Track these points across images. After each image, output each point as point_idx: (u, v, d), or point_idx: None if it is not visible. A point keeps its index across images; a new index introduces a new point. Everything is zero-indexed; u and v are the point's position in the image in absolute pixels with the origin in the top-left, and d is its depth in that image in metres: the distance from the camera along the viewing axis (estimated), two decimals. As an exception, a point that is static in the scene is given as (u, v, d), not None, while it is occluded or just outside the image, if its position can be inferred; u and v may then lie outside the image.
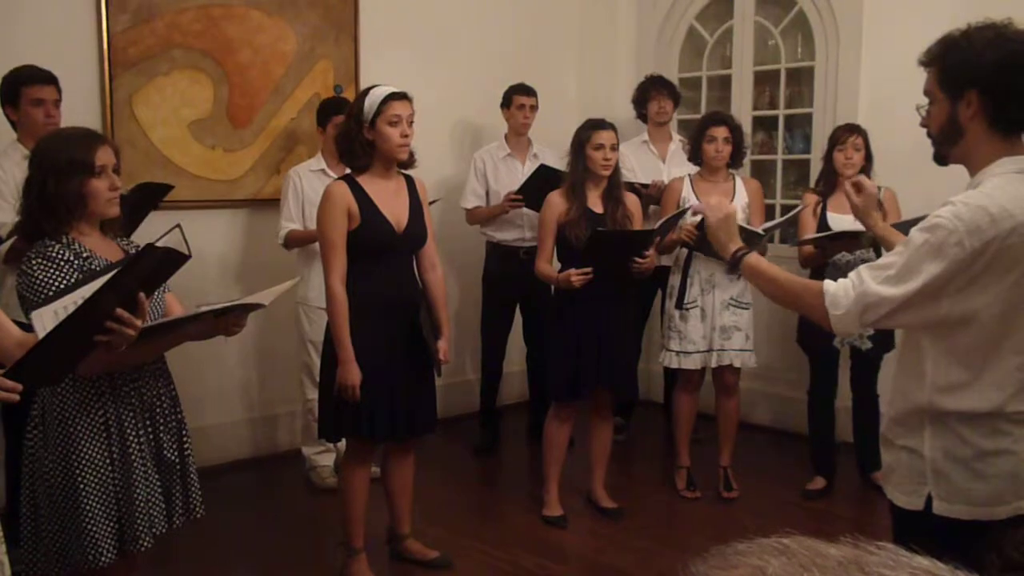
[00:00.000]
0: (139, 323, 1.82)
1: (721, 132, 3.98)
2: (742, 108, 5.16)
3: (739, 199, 4.03)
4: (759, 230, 3.91)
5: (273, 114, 4.52)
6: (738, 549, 0.58)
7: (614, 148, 3.66)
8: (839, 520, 3.78)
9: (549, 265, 3.74)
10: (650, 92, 4.78)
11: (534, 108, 4.69)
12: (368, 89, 3.09)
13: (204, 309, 2.25)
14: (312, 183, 4.02)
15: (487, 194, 4.71)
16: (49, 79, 3.38)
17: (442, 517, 3.84)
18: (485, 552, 3.57)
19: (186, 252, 1.92)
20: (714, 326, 4.01)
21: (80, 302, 1.73)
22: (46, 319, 1.73)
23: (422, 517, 3.59)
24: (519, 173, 4.67)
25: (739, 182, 4.12)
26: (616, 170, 3.70)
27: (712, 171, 4.05)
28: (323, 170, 4.08)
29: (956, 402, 1.78)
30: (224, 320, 2.36)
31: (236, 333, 2.42)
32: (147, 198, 3.42)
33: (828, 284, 1.82)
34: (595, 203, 3.70)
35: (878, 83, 4.64)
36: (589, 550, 3.64)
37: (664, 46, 5.53)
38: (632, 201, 3.81)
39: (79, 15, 3.93)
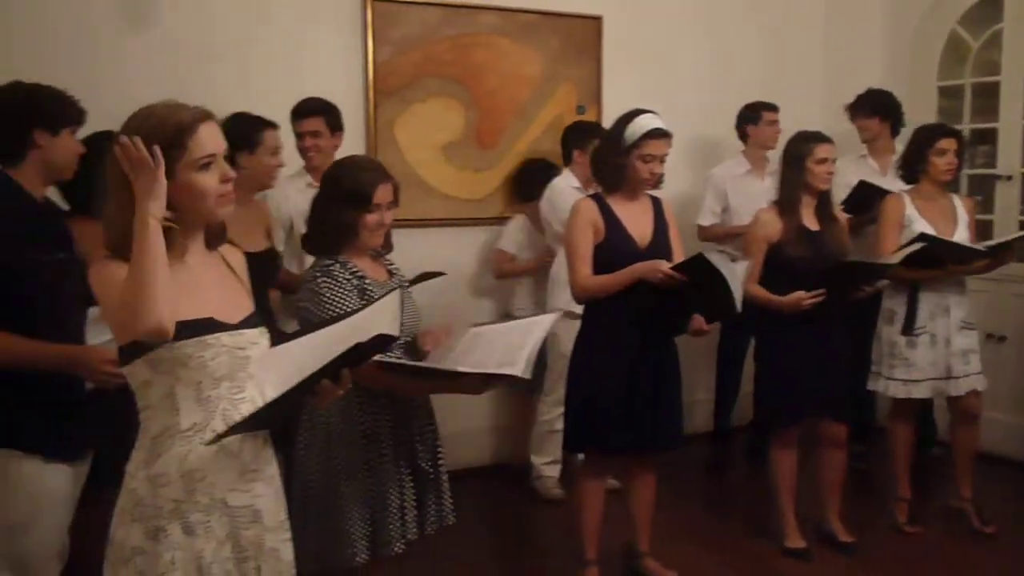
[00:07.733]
0: (340, 391, 1.92)
1: (952, 144, 3.72)
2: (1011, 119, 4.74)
3: (961, 218, 3.77)
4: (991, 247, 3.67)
5: (518, 136, 4.72)
6: None
7: (834, 161, 3.54)
8: None
9: (759, 286, 3.51)
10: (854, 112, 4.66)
11: (779, 123, 4.67)
12: (633, 114, 3.16)
13: (466, 370, 2.19)
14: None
15: (724, 212, 4.70)
16: (310, 112, 3.66)
17: (673, 537, 3.78)
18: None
19: (396, 333, 1.87)
20: (951, 351, 3.72)
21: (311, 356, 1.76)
22: (281, 364, 1.78)
23: (655, 535, 3.57)
24: (758, 189, 4.56)
25: (957, 201, 3.84)
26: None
27: (931, 188, 3.77)
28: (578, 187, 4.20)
29: None
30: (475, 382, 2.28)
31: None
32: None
33: None
34: (810, 220, 3.55)
35: None
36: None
37: (921, 51, 5.19)
38: (843, 217, 3.70)
39: (349, 48, 4.32)
